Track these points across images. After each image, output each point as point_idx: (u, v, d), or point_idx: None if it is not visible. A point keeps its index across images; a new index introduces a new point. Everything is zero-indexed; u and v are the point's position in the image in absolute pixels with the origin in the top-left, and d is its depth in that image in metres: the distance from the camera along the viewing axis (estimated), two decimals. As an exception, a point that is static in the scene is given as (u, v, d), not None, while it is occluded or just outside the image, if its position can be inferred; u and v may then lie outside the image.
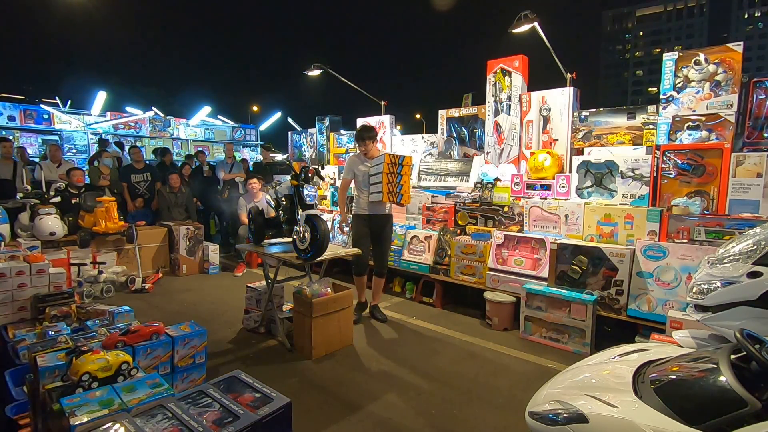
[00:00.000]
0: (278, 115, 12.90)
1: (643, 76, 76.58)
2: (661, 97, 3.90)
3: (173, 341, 2.44)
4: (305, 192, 3.58)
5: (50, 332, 2.65)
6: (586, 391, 1.68)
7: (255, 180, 6.18)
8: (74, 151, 9.36)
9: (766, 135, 3.50)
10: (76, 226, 5.31)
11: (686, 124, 3.75)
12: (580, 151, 4.36)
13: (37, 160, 7.43)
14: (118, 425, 1.37)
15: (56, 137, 9.22)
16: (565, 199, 4.14)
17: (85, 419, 1.43)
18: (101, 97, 9.82)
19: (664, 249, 3.34)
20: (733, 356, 1.57)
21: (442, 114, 5.76)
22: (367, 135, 4.12)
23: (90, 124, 9.73)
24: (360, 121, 6.65)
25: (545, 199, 4.23)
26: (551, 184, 4.25)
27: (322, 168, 6.80)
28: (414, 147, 6.06)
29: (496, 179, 4.64)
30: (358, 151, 4.31)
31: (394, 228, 4.73)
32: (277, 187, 3.99)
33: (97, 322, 2.87)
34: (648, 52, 75.20)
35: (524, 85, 4.82)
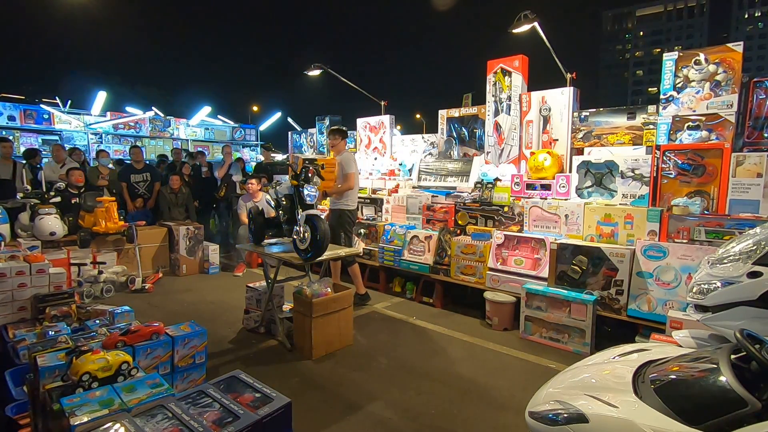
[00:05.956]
0: (278, 115, 12.91)
1: (643, 76, 76.58)
2: (661, 97, 3.90)
3: (173, 341, 2.44)
4: (305, 192, 3.58)
5: (50, 332, 2.65)
6: (586, 391, 1.68)
7: (253, 180, 6.18)
8: (74, 151, 9.35)
9: (766, 135, 3.50)
10: (76, 226, 5.31)
11: (686, 124, 3.75)
12: (580, 151, 4.37)
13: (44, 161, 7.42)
14: (118, 425, 1.37)
15: (56, 137, 9.21)
16: (565, 199, 4.14)
17: (85, 419, 1.43)
18: (101, 97, 9.83)
19: (664, 249, 3.34)
20: (733, 356, 1.57)
21: (442, 114, 5.76)
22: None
23: (90, 124, 9.74)
24: (360, 121, 6.66)
25: (545, 199, 4.23)
26: (551, 184, 4.25)
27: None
28: (414, 147, 6.06)
29: (496, 179, 4.63)
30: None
31: (393, 228, 5.14)
32: (277, 187, 3.99)
33: (97, 322, 2.87)
34: (648, 52, 75.18)
35: (524, 85, 4.82)
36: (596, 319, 3.51)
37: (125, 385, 1.66)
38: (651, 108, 4.01)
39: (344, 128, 5.08)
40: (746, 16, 68.59)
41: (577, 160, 4.16)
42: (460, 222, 4.79)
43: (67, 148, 8.08)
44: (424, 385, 3.00)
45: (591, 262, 3.65)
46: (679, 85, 3.80)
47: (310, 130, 8.40)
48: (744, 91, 3.59)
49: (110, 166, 7.05)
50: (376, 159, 6.32)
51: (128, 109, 10.78)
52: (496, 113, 5.02)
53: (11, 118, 8.81)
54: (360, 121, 6.67)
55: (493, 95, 5.04)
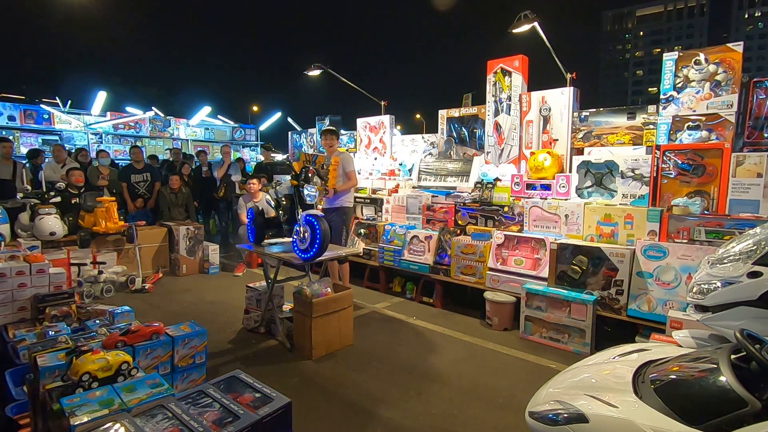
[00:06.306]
0: (278, 115, 12.93)
1: (643, 76, 76.58)
2: (661, 97, 3.90)
3: (173, 341, 2.44)
4: (305, 192, 3.58)
5: (50, 332, 2.65)
6: (586, 391, 1.68)
7: (254, 180, 6.18)
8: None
9: (766, 135, 3.50)
10: (76, 226, 5.30)
11: (686, 124, 3.75)
12: (580, 151, 4.36)
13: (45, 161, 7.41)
14: (118, 425, 1.37)
15: (56, 137, 9.22)
16: (565, 199, 4.14)
17: (85, 419, 1.43)
18: (101, 97, 9.84)
19: (664, 249, 3.34)
20: (733, 356, 1.57)
21: (442, 114, 5.76)
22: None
23: (90, 124, 9.74)
24: (360, 121, 6.66)
25: (545, 199, 4.23)
26: (551, 184, 4.25)
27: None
28: (414, 147, 6.06)
29: (496, 179, 4.63)
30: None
31: (393, 228, 5.14)
32: (277, 187, 4.00)
33: (97, 322, 2.87)
34: (648, 52, 75.19)
35: (524, 85, 4.82)
36: (596, 319, 3.51)
37: (125, 385, 1.66)
38: (651, 108, 4.01)
39: (335, 129, 5.28)
40: (746, 16, 68.59)
41: (577, 160, 4.16)
42: (460, 222, 4.80)
43: (72, 149, 8.10)
44: (425, 386, 3.00)
45: (591, 262, 3.65)
46: (679, 85, 3.80)
47: (310, 130, 8.41)
48: (744, 91, 3.59)
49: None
50: (376, 159, 6.32)
51: (128, 109, 10.79)
52: (496, 113, 5.02)
53: (11, 118, 8.81)
54: (360, 121, 6.67)
55: (493, 95, 5.04)
